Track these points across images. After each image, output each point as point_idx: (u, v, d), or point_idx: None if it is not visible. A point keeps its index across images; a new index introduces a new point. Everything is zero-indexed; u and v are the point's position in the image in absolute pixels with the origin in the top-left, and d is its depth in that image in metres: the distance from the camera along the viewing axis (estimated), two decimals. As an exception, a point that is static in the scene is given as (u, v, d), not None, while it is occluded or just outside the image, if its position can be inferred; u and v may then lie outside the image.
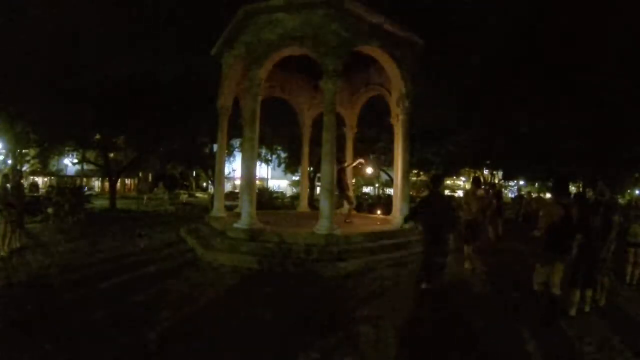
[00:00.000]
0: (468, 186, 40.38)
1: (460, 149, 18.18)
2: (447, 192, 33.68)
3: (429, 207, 5.55)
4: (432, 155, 19.88)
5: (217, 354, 3.34)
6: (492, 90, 15.16)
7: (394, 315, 4.33)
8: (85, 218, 12.39)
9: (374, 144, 18.59)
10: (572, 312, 4.47)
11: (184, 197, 25.24)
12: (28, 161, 19.08)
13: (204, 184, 39.00)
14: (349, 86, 10.80)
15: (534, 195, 24.17)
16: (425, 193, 6.65)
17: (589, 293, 4.58)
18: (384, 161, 21.28)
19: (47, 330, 3.67)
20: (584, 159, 17.35)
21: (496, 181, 29.07)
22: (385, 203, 16.07)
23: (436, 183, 6.00)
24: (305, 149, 12.49)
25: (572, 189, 37.40)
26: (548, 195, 26.90)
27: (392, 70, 8.58)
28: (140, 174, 35.95)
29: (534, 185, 37.10)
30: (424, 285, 5.35)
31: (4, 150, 18.14)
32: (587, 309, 4.56)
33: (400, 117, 8.97)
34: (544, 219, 4.14)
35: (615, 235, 5.15)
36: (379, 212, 13.06)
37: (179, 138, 16.10)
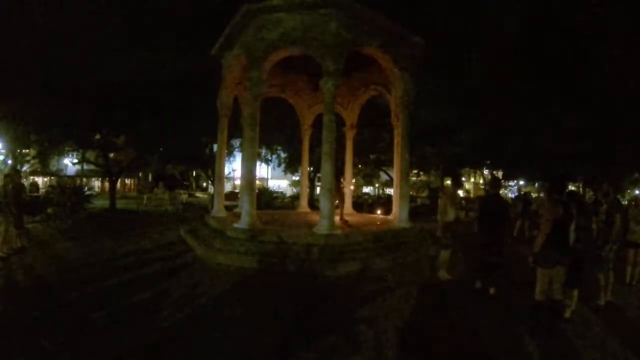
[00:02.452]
0: (468, 186, 40.40)
1: (460, 149, 18.17)
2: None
3: (485, 208, 5.64)
4: (432, 155, 19.89)
5: (217, 354, 3.34)
6: (492, 90, 15.16)
7: (394, 315, 4.33)
8: (85, 218, 12.39)
9: (374, 144, 18.59)
10: (567, 313, 4.46)
11: (184, 197, 25.19)
12: (28, 161, 19.05)
13: (204, 184, 38.98)
14: (349, 86, 10.79)
15: (534, 195, 24.17)
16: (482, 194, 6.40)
17: (575, 293, 4.53)
18: (384, 161, 21.31)
19: (47, 330, 3.67)
20: (584, 159, 17.35)
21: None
22: (385, 203, 16.07)
23: (494, 185, 6.09)
24: (305, 149, 12.50)
25: (572, 188, 37.42)
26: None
27: (392, 70, 8.58)
28: (140, 174, 35.92)
29: (534, 185, 37.11)
30: (478, 285, 5.44)
31: (4, 150, 18.13)
32: (572, 308, 4.50)
33: (400, 117, 8.97)
34: (545, 222, 4.06)
35: (617, 235, 5.17)
36: (379, 212, 13.06)
37: (179, 138, 16.10)
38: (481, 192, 35.83)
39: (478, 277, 5.55)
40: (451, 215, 6.08)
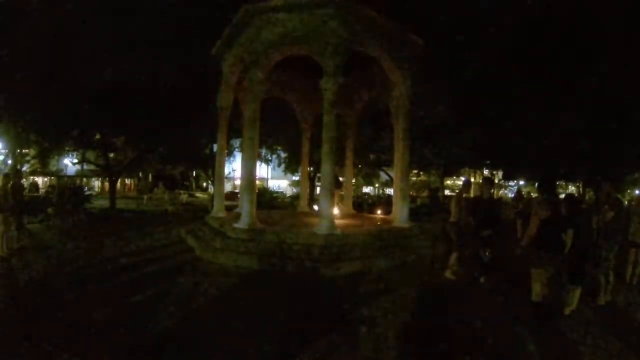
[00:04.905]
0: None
1: (460, 149, 18.18)
2: (447, 192, 33.69)
3: (481, 207, 5.88)
4: (432, 155, 19.89)
5: (217, 354, 3.34)
6: (492, 90, 15.16)
7: (394, 315, 4.33)
8: (85, 218, 12.39)
9: (374, 144, 18.60)
10: (567, 311, 4.47)
11: (184, 197, 25.22)
12: (28, 161, 19.06)
13: (204, 184, 38.98)
14: (349, 86, 10.78)
15: (533, 195, 24.17)
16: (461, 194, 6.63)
17: (577, 291, 4.57)
18: (384, 161, 21.33)
19: (47, 330, 3.66)
20: (584, 159, 17.35)
21: (495, 181, 29.07)
22: (385, 203, 16.07)
23: (488, 185, 6.34)
24: (305, 149, 12.50)
25: (572, 188, 37.43)
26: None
27: (392, 70, 8.58)
28: (140, 174, 35.91)
29: (533, 185, 37.13)
30: (482, 280, 5.72)
31: (4, 150, 18.13)
32: (572, 307, 4.54)
33: (400, 117, 8.97)
34: (533, 221, 4.14)
35: (620, 235, 5.18)
36: (379, 212, 13.06)
37: (179, 138, 16.10)
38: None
39: (481, 273, 5.80)
40: (454, 216, 6.28)
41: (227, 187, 24.30)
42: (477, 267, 5.90)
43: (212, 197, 13.77)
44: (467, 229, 6.04)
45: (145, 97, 13.41)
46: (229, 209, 10.56)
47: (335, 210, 9.12)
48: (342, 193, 9.87)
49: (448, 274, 6.22)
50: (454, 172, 33.18)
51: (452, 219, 6.33)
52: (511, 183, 39.91)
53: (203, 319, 4.15)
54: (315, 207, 9.78)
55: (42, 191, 23.38)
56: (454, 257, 6.26)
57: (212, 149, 18.24)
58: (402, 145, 9.00)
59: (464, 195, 6.49)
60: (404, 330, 3.92)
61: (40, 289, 5.05)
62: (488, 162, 24.89)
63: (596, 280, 5.01)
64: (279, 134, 17.85)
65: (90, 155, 20.51)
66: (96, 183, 37.02)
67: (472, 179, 42.40)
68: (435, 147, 18.63)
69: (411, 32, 8.48)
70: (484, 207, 5.89)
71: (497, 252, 5.90)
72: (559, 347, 3.70)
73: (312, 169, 18.05)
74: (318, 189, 17.69)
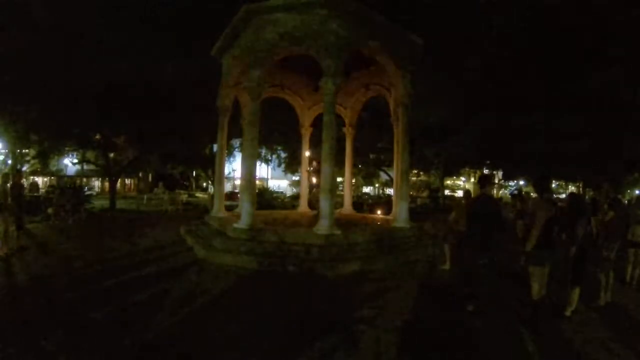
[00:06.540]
0: (468, 186, 40.57)
1: (460, 149, 18.18)
2: (447, 192, 33.71)
3: (477, 209, 5.04)
4: (432, 155, 19.90)
5: (217, 354, 3.34)
6: (492, 91, 15.16)
7: (394, 315, 4.33)
8: (85, 218, 12.39)
9: (374, 144, 18.61)
10: (568, 311, 4.47)
11: (184, 197, 25.17)
12: (28, 161, 19.05)
13: (204, 184, 38.94)
14: (349, 86, 10.80)
15: (533, 195, 24.16)
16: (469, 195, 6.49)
17: (577, 291, 4.53)
18: (384, 161, 21.34)
19: (47, 330, 3.66)
20: (584, 159, 17.36)
21: (496, 181, 29.05)
22: (385, 203, 16.07)
23: (484, 184, 5.25)
24: (305, 149, 12.50)
25: (572, 188, 37.40)
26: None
27: (392, 70, 8.58)
28: (140, 174, 35.88)
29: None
30: (466, 290, 5.06)
31: (4, 150, 18.12)
32: (573, 308, 4.49)
33: (400, 117, 8.98)
34: (538, 220, 4.09)
35: (619, 235, 5.18)
36: (379, 212, 13.06)
37: (179, 138, 16.12)
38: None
39: (466, 281, 5.14)
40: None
41: (227, 187, 24.31)
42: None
43: (212, 197, 13.77)
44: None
45: (146, 97, 13.42)
46: (229, 209, 10.56)
47: None
48: None
49: (446, 265, 6.65)
50: (454, 172, 33.23)
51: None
52: (511, 183, 39.96)
53: (203, 319, 4.14)
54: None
55: (42, 191, 23.35)
56: (448, 249, 6.68)
57: (212, 149, 18.25)
58: (402, 146, 9.00)
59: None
60: (404, 331, 3.92)
61: (40, 289, 5.04)
62: (488, 162, 24.91)
63: (596, 280, 5.01)
64: (279, 134, 17.86)
65: (90, 155, 20.51)
66: (96, 183, 36.96)
67: (472, 179, 42.45)
68: (435, 147, 18.65)
69: (411, 32, 8.48)
70: (490, 210, 4.90)
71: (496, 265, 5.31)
72: (559, 347, 3.70)
73: (311, 168, 18.06)
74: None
